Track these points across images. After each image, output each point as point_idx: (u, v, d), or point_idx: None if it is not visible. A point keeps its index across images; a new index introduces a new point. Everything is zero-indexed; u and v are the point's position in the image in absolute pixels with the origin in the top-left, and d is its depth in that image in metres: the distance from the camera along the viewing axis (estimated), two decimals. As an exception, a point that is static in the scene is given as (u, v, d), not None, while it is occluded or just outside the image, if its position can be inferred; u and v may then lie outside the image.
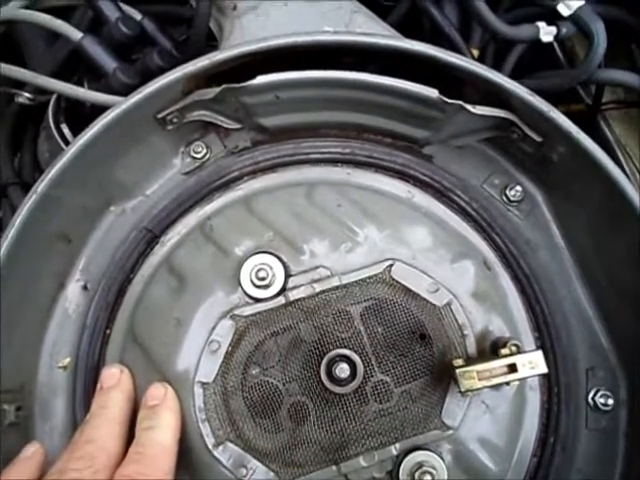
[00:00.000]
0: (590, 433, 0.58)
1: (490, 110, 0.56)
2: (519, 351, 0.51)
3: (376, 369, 0.54)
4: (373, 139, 0.65)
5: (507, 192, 0.63)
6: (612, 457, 0.58)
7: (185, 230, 0.62)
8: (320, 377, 0.51)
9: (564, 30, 0.58)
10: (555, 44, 0.67)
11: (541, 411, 0.57)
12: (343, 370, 0.49)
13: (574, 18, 0.54)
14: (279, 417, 0.53)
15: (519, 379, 0.48)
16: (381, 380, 0.54)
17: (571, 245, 0.62)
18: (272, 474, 0.52)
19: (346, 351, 0.52)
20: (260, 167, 0.64)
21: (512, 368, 0.49)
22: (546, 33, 0.58)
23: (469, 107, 0.55)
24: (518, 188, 0.63)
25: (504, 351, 0.50)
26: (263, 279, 0.54)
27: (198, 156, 0.66)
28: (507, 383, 0.50)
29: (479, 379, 0.48)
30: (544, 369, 0.48)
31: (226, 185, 0.64)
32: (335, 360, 0.51)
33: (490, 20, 0.56)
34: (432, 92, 0.55)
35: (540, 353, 0.49)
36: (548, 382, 0.57)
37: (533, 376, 0.48)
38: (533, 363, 0.48)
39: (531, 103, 0.54)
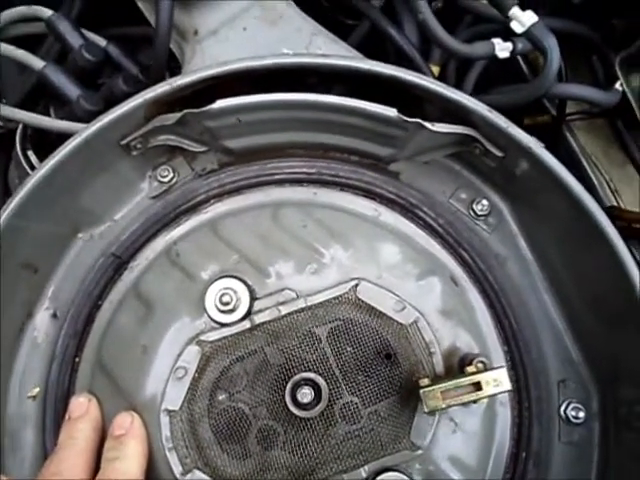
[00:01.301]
0: (563, 446, 0.58)
1: (450, 127, 0.56)
2: (485, 368, 0.51)
3: (344, 390, 0.54)
4: (339, 158, 0.65)
5: (474, 206, 0.63)
6: (586, 470, 0.57)
7: (152, 255, 0.62)
8: (285, 402, 0.51)
9: (520, 46, 0.59)
10: (519, 58, 0.67)
11: (512, 426, 0.56)
12: (305, 395, 0.49)
13: (528, 35, 0.55)
14: (247, 443, 0.53)
15: (483, 397, 0.48)
16: (350, 401, 0.53)
17: (539, 258, 0.62)
18: (241, 501, 0.51)
19: (311, 374, 0.52)
20: (226, 189, 0.64)
21: (477, 386, 0.49)
22: (502, 49, 0.59)
23: (428, 125, 0.55)
24: (484, 202, 0.63)
25: (470, 369, 0.50)
26: (227, 304, 0.54)
27: (165, 180, 0.66)
28: (473, 401, 0.49)
29: (444, 398, 0.48)
30: (508, 386, 0.48)
31: (193, 208, 0.64)
32: (300, 384, 0.51)
33: (444, 39, 0.56)
34: (391, 111, 0.55)
35: (504, 370, 0.48)
36: (518, 397, 0.57)
37: (497, 394, 0.48)
38: (497, 381, 0.48)
39: (489, 119, 0.54)
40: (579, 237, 0.58)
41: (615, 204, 0.67)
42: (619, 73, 0.58)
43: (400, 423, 0.53)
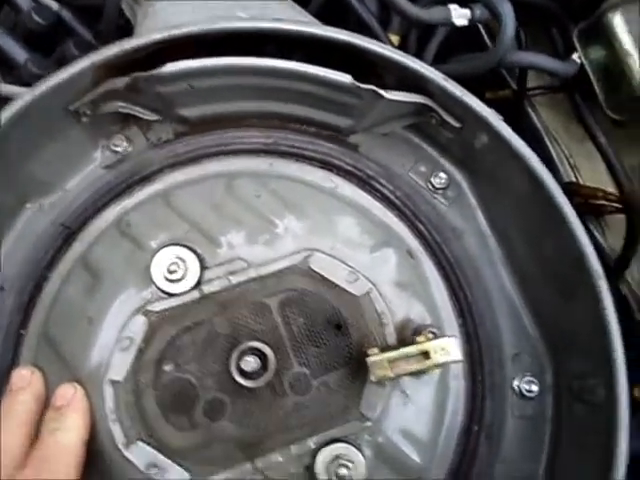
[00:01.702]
0: (516, 420, 0.58)
1: (405, 95, 0.55)
2: (435, 338, 0.50)
3: (294, 361, 0.53)
4: (297, 129, 0.64)
5: (432, 179, 0.62)
6: (538, 445, 0.57)
7: (103, 226, 0.60)
8: (231, 371, 0.50)
9: (478, 13, 0.58)
10: (480, 27, 0.66)
11: (465, 399, 0.56)
12: (249, 363, 0.48)
13: (484, 1, 0.54)
14: (194, 414, 0.52)
15: (431, 366, 0.47)
16: (299, 372, 0.52)
17: (497, 231, 0.62)
18: (185, 473, 0.50)
19: (257, 343, 0.51)
20: (181, 159, 0.62)
21: (426, 355, 0.48)
22: (459, 16, 0.58)
23: (382, 92, 0.54)
24: (442, 175, 0.62)
25: (420, 339, 0.50)
26: (175, 272, 0.52)
27: (119, 149, 0.64)
28: (423, 371, 0.49)
29: (391, 368, 0.47)
30: (457, 356, 0.47)
31: (146, 179, 0.62)
32: (246, 353, 0.50)
33: (400, 3, 0.55)
34: (346, 77, 0.54)
35: (454, 339, 0.48)
36: (472, 370, 0.56)
37: (446, 363, 0.47)
38: (446, 349, 0.47)
39: (445, 87, 0.53)
40: (536, 212, 0.57)
41: (574, 180, 0.67)
42: (577, 44, 0.58)
43: (350, 394, 0.52)
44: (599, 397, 0.53)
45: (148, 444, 0.50)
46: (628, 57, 0.53)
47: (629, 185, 0.57)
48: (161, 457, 0.50)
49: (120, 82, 0.56)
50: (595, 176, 0.67)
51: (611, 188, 0.65)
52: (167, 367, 0.52)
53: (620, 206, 0.62)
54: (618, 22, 0.54)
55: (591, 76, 0.55)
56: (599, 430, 0.52)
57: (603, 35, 0.55)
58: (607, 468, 0.49)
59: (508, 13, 0.52)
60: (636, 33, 0.53)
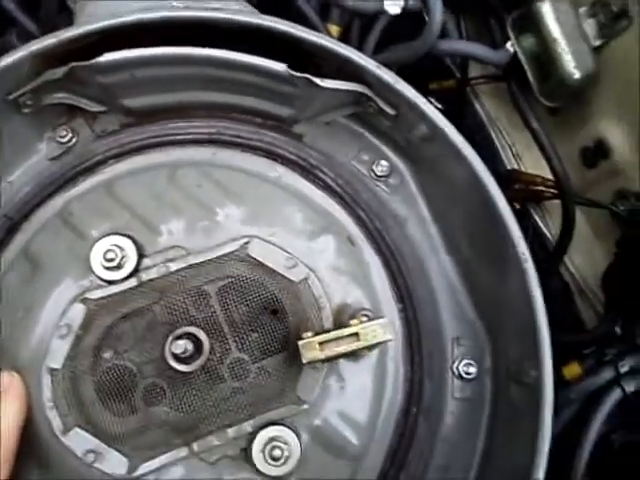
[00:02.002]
0: (456, 402, 0.59)
1: (340, 84, 0.56)
2: (369, 321, 0.51)
3: (232, 347, 0.53)
4: (243, 119, 0.64)
5: (374, 167, 0.63)
6: (477, 425, 0.58)
7: (46, 216, 0.60)
8: (165, 356, 0.50)
9: (410, 2, 0.59)
10: (425, 15, 0.67)
11: (404, 382, 0.57)
12: (179, 346, 0.48)
13: (416, -11, 0.55)
14: (132, 400, 0.52)
15: (362, 348, 0.48)
16: (238, 358, 0.53)
17: (438, 218, 0.63)
18: (124, 458, 0.50)
19: (192, 328, 0.51)
20: (125, 150, 0.63)
21: (357, 337, 0.49)
22: (392, 4, 0.59)
23: (317, 81, 0.55)
24: (384, 163, 0.63)
25: (354, 322, 0.51)
26: (112, 260, 0.53)
27: (64, 141, 0.64)
28: (354, 353, 0.50)
29: (322, 350, 0.48)
30: (388, 336, 0.48)
31: (90, 169, 0.62)
32: (180, 338, 0.50)
33: (333, -8, 0.56)
34: (280, 66, 0.55)
35: (385, 321, 0.49)
36: (410, 353, 0.57)
37: (376, 344, 0.48)
38: (377, 331, 0.48)
39: (378, 75, 0.54)
40: (473, 200, 0.59)
41: (516, 167, 0.68)
42: (510, 33, 0.59)
43: (287, 378, 0.53)
44: (531, 379, 0.55)
45: (86, 431, 0.51)
46: (556, 45, 0.54)
47: (563, 171, 0.58)
48: (99, 443, 0.51)
49: (59, 72, 0.56)
50: (537, 164, 0.69)
51: (551, 176, 0.66)
52: (106, 354, 0.53)
53: (556, 192, 0.63)
54: (547, 10, 0.55)
55: (524, 64, 0.56)
56: (530, 412, 0.54)
57: (533, 23, 0.56)
58: (534, 449, 0.50)
59: (435, 2, 0.53)
60: (564, 21, 0.54)
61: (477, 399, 0.59)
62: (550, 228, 0.68)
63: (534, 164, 0.68)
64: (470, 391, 0.59)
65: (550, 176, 0.65)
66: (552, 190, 0.64)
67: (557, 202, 0.67)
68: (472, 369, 0.59)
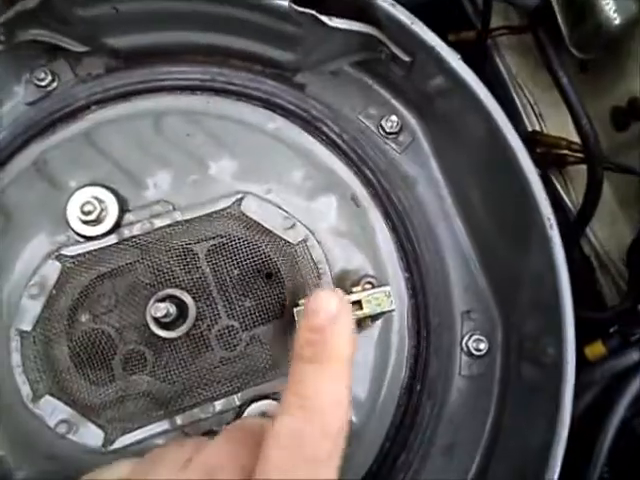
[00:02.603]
0: (463, 379, 0.54)
1: (350, 24, 0.50)
2: (373, 288, 0.46)
3: (222, 313, 0.49)
4: (240, 66, 0.58)
5: (383, 123, 0.58)
6: (485, 406, 0.54)
7: (21, 166, 0.55)
8: (147, 321, 0.45)
9: None
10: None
11: (408, 357, 0.52)
12: (160, 309, 0.43)
13: None
14: (110, 368, 0.48)
15: (363, 317, 0.43)
16: (227, 325, 0.48)
17: (451, 181, 0.57)
18: (98, 430, 0.46)
19: (176, 291, 0.46)
20: (110, 95, 0.57)
21: (359, 306, 0.44)
22: None
23: (324, 19, 0.49)
24: (394, 118, 0.57)
25: (356, 289, 0.46)
26: (90, 213, 0.48)
27: (43, 84, 0.58)
28: (356, 323, 0.45)
29: (320, 318, 0.43)
30: (390, 307, 0.43)
31: (71, 116, 0.56)
32: (163, 301, 0.46)
33: None
34: (283, 1, 0.49)
35: (388, 289, 0.44)
36: (416, 325, 0.53)
37: (378, 314, 0.44)
38: (381, 300, 0.44)
39: (391, 14, 0.48)
40: (492, 160, 0.53)
41: (538, 129, 0.62)
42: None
43: (281, 349, 0.48)
44: (549, 357, 0.50)
45: (58, 399, 0.46)
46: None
47: (592, 132, 0.53)
48: (73, 413, 0.46)
49: (32, 2, 0.50)
50: (561, 126, 0.63)
51: (576, 139, 0.61)
52: (82, 317, 0.48)
53: (582, 156, 0.58)
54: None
55: (555, 6, 0.50)
56: (546, 393, 0.49)
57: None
58: (551, 431, 0.46)
59: None
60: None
61: (486, 377, 0.55)
62: (572, 197, 0.62)
63: (558, 126, 0.62)
64: (479, 368, 0.55)
65: (575, 139, 0.59)
66: (578, 154, 0.58)
67: (581, 168, 0.62)
68: (482, 345, 0.54)
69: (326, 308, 0.33)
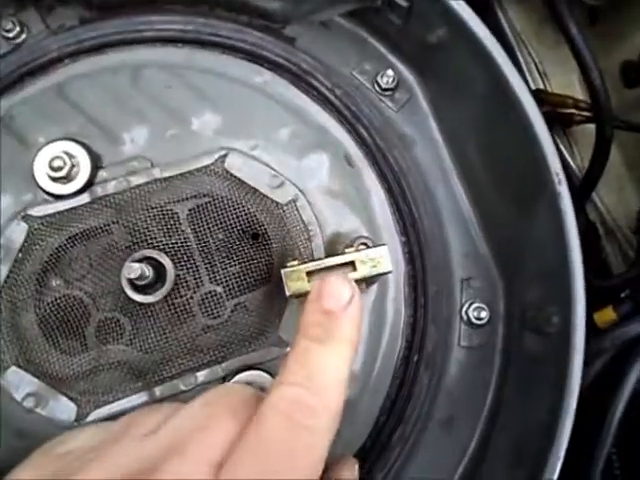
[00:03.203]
0: (462, 350, 0.51)
1: (342, -36, 0.46)
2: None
3: (205, 278, 0.45)
4: (225, 16, 0.54)
5: (378, 79, 0.54)
6: (485, 377, 0.51)
7: (-13, 122, 0.51)
8: (122, 285, 0.42)
9: None
10: None
11: (405, 326, 0.49)
12: (134, 270, 0.39)
13: None
14: (84, 337, 0.44)
15: (358, 279, 0.40)
16: (211, 291, 0.45)
17: (451, 140, 0.54)
18: (71, 404, 0.43)
19: (152, 252, 0.43)
20: (84, 47, 0.52)
21: (353, 267, 0.41)
22: None
23: (314, -43, 0.45)
24: (390, 73, 0.53)
25: (349, 250, 0.42)
26: (59, 169, 0.44)
27: (11, 35, 0.53)
28: (349, 287, 0.41)
29: (310, 281, 0.40)
30: (387, 267, 0.40)
31: (41, 69, 0.52)
32: (140, 262, 0.42)
33: None
34: (270, -62, 0.44)
35: (385, 248, 0.40)
36: (413, 293, 0.49)
37: (375, 276, 0.40)
38: (375, 260, 0.40)
39: (388, -48, 0.44)
40: (496, 118, 0.50)
41: (542, 87, 0.59)
42: None
43: (268, 316, 0.45)
44: (554, 327, 0.47)
45: (26, 370, 0.43)
46: None
47: (603, 87, 0.49)
48: (42, 385, 0.43)
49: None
50: (566, 86, 0.59)
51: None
52: (53, 282, 0.45)
53: (591, 115, 0.54)
54: None
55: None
56: (551, 363, 0.46)
57: None
58: (557, 403, 0.43)
59: None
60: None
61: (487, 347, 0.52)
62: (577, 160, 0.59)
63: (563, 86, 0.59)
64: (479, 338, 0.52)
65: (581, 98, 0.56)
66: (585, 113, 0.55)
67: (587, 130, 0.58)
68: (483, 314, 0.51)
69: (339, 293, 0.35)
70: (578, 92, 0.58)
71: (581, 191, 0.57)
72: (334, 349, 0.34)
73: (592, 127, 0.57)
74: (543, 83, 0.59)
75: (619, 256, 0.58)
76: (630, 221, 0.57)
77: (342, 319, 0.34)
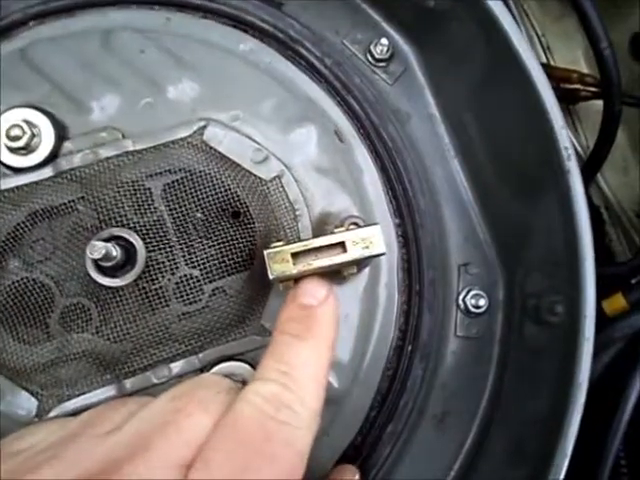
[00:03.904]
0: (459, 340, 0.48)
1: None
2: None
3: (181, 261, 0.41)
4: (207, -22, 0.50)
5: (372, 48, 0.50)
6: (483, 370, 0.48)
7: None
8: (85, 265, 0.38)
9: None
10: None
11: (398, 314, 0.46)
12: (97, 249, 0.35)
13: None
14: (47, 325, 0.40)
15: (348, 262, 0.36)
16: (187, 274, 0.41)
17: (448, 116, 0.50)
18: (32, 398, 0.39)
19: (121, 230, 0.38)
20: (50, 9, 0.48)
21: (343, 249, 0.37)
22: None
23: None
24: (384, 42, 0.49)
25: (339, 230, 0.38)
26: (18, 139, 0.39)
27: (-30, -4, 0.49)
28: (338, 270, 0.38)
29: (295, 263, 0.36)
30: (380, 248, 0.36)
31: (3, 33, 0.47)
32: (106, 241, 0.38)
33: None
34: None
35: (377, 227, 0.37)
36: (408, 279, 0.46)
37: (367, 258, 0.36)
38: (367, 241, 0.36)
39: None
40: (497, 90, 0.46)
41: (545, 62, 0.55)
42: None
43: (250, 302, 0.41)
44: (558, 316, 0.44)
45: (-19, 361, 0.39)
46: None
47: (613, 60, 0.46)
48: (0, 379, 0.39)
49: None
50: (570, 61, 0.56)
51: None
52: (11, 264, 0.40)
53: (598, 90, 0.51)
54: None
55: None
56: (554, 355, 0.43)
57: None
58: (562, 398, 0.40)
59: None
60: None
61: (485, 337, 0.49)
62: (581, 140, 0.56)
63: (567, 61, 0.56)
64: (477, 328, 0.49)
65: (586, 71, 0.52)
66: (591, 88, 0.52)
67: (592, 107, 0.55)
68: (481, 302, 0.48)
69: (316, 291, 0.35)
70: (583, 68, 0.54)
71: (585, 173, 0.53)
72: (311, 345, 0.33)
73: (596, 104, 0.54)
74: (546, 57, 0.56)
75: (624, 241, 0.55)
76: (635, 205, 0.54)
77: (319, 315, 0.34)
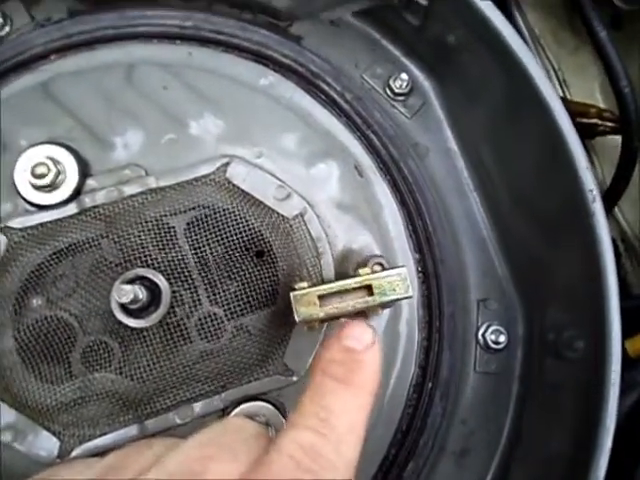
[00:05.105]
0: (479, 376, 0.48)
1: (358, -43, 0.42)
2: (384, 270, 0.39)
3: (204, 299, 0.41)
4: (227, 12, 0.50)
5: (391, 83, 0.50)
6: (503, 406, 0.48)
7: (-36, 122, 0.46)
8: (111, 307, 0.38)
9: None
10: None
11: (419, 351, 0.45)
12: (125, 293, 0.35)
13: None
14: (69, 363, 0.40)
15: (375, 305, 0.36)
16: (210, 312, 0.41)
17: (467, 150, 0.51)
18: (53, 438, 0.38)
19: (146, 271, 0.38)
20: (72, 42, 0.48)
21: (369, 292, 0.37)
22: None
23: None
24: (404, 77, 0.50)
25: (364, 271, 0.38)
26: (43, 177, 0.39)
27: (-7, 28, 0.49)
28: (364, 312, 0.38)
29: (322, 305, 0.36)
30: (408, 292, 0.36)
31: (25, 65, 0.47)
32: (131, 283, 0.38)
33: None
34: None
35: (404, 270, 0.37)
36: (428, 315, 0.46)
37: (393, 301, 0.36)
38: (394, 284, 0.36)
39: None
40: (516, 125, 0.47)
41: (562, 96, 0.56)
42: None
43: (273, 341, 0.41)
44: (578, 352, 0.44)
45: (3, 401, 0.38)
46: None
47: (632, 96, 0.46)
48: (20, 418, 0.38)
49: None
50: (586, 94, 0.56)
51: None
52: (34, 302, 0.40)
53: (614, 125, 0.51)
54: None
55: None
56: (576, 391, 0.43)
57: None
58: (587, 440, 0.39)
59: None
60: None
61: (505, 374, 0.48)
62: (598, 173, 0.56)
63: (583, 94, 0.56)
64: (497, 364, 0.48)
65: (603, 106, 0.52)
66: (609, 123, 0.52)
67: (608, 141, 0.55)
68: (501, 337, 0.48)
69: (361, 335, 0.33)
70: (599, 101, 0.55)
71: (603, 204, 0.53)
72: (353, 392, 0.31)
73: (613, 138, 0.55)
74: (562, 91, 0.56)
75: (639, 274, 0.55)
76: (652, 238, 0.54)
77: (364, 361, 0.32)
